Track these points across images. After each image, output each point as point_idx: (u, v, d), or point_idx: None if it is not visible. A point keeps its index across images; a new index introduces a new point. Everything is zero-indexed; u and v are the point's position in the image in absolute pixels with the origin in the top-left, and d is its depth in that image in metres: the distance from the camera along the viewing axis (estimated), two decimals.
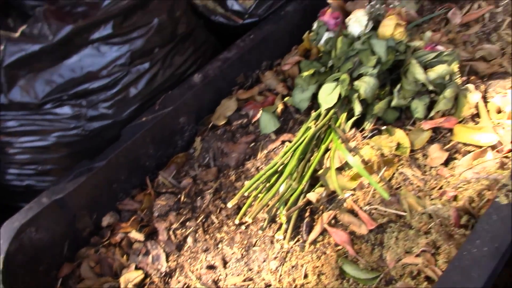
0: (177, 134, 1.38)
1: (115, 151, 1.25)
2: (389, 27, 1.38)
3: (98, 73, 1.27)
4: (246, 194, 1.21)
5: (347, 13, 1.57)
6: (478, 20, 1.62)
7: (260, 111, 1.41)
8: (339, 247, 1.15)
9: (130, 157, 1.28)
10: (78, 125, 1.28)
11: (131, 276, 1.19)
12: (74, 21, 1.23)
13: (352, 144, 1.28)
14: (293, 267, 1.15)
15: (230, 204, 1.21)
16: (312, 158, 1.28)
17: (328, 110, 1.33)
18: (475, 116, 1.32)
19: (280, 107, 1.43)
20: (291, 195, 1.21)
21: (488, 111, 1.31)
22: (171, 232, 1.25)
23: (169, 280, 1.19)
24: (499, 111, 1.30)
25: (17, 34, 1.22)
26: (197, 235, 1.24)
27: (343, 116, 1.33)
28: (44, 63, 1.22)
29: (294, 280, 1.13)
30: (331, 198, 1.23)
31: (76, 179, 1.19)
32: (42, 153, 1.30)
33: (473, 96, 1.33)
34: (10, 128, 1.26)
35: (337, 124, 1.32)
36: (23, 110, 1.24)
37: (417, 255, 1.04)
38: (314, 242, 1.18)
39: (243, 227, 1.25)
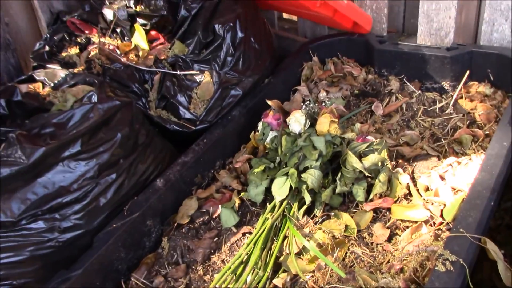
0: (145, 236, 1.49)
1: (90, 258, 1.33)
2: (325, 124, 1.59)
3: (69, 187, 1.38)
4: (217, 286, 1.32)
5: (285, 112, 1.78)
6: (397, 110, 1.88)
7: (220, 208, 1.55)
8: None
9: (104, 262, 1.36)
10: (52, 237, 1.36)
11: None
12: (45, 143, 1.35)
13: (306, 230, 1.44)
14: None
15: None
16: (273, 246, 1.42)
17: (282, 201, 1.49)
18: (408, 195, 1.52)
19: (237, 202, 1.57)
20: (258, 283, 1.33)
21: (417, 190, 1.51)
22: None
23: None
24: (426, 189, 1.51)
25: None
26: None
27: (295, 205, 1.49)
28: (19, 183, 1.32)
29: None
30: (294, 281, 1.36)
31: None
32: (17, 267, 1.35)
33: (403, 178, 1.54)
34: None
35: (291, 213, 1.47)
36: None
37: None
38: None
39: None
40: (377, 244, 1.41)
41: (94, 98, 1.49)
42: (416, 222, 1.42)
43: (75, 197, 1.38)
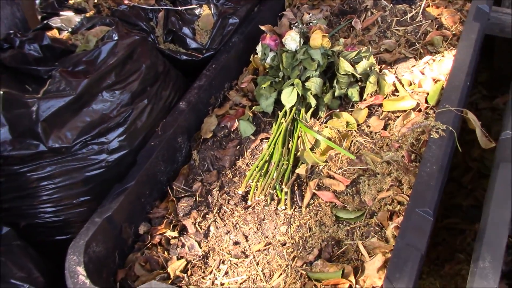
0: (178, 151, 1.71)
1: (139, 172, 1.55)
2: (318, 39, 1.82)
3: (110, 114, 1.57)
4: (250, 181, 1.58)
5: (278, 35, 2.00)
6: (374, 23, 2.13)
7: (237, 121, 1.78)
8: (328, 204, 1.54)
9: (150, 175, 1.59)
10: (102, 158, 1.57)
11: (176, 265, 1.49)
12: (85, 76, 1.53)
13: (315, 129, 1.69)
14: (298, 226, 1.51)
15: (240, 191, 1.57)
16: (289, 145, 1.67)
17: (291, 108, 1.73)
18: (395, 92, 1.79)
19: (250, 115, 1.81)
20: (283, 174, 1.59)
21: (402, 85, 1.78)
22: (197, 225, 1.56)
23: (207, 260, 1.50)
24: (410, 84, 1.78)
25: (40, 95, 1.49)
26: (217, 223, 1.57)
27: (303, 110, 1.74)
28: (68, 113, 1.51)
29: (303, 235, 1.49)
30: (311, 171, 1.62)
31: (116, 198, 1.48)
32: (74, 188, 1.57)
33: (389, 78, 1.80)
34: (48, 172, 1.52)
35: (300, 116, 1.72)
36: (57, 155, 1.51)
37: (388, 190, 1.46)
38: (308, 205, 1.55)
39: (250, 209, 1.59)
40: (375, 133, 1.68)
41: (115, 36, 1.66)
42: (405, 111, 1.69)
43: (116, 122, 1.58)
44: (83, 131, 1.53)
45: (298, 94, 1.73)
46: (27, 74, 1.57)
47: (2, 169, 1.50)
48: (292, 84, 1.75)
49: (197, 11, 1.97)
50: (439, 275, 1.80)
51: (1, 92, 1.45)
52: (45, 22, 1.81)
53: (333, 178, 1.58)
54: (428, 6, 2.09)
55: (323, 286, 1.34)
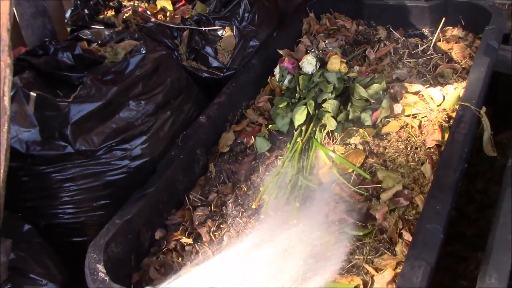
0: (196, 163, 1.78)
1: (159, 179, 1.61)
2: (336, 64, 1.91)
3: (135, 122, 1.65)
4: (263, 196, 1.64)
5: (295, 59, 2.09)
6: (387, 54, 2.22)
7: (253, 137, 1.85)
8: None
9: (169, 182, 1.65)
10: (124, 164, 1.63)
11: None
12: (114, 85, 1.61)
13: (329, 148, 1.77)
14: None
15: (254, 205, 1.63)
16: (304, 162, 1.74)
17: (301, 126, 1.80)
18: None
19: (266, 132, 1.88)
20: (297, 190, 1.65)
21: None
22: (211, 234, 1.61)
23: None
24: None
25: (70, 99, 1.57)
26: (230, 233, 1.62)
27: (317, 130, 1.81)
28: (97, 118, 1.58)
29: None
30: None
31: (137, 203, 1.54)
32: (95, 191, 1.62)
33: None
34: (71, 174, 1.58)
35: (315, 136, 1.80)
36: (82, 157, 1.57)
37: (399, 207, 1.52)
38: None
39: None
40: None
41: (143, 50, 1.75)
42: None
43: (140, 131, 1.66)
44: (109, 136, 1.60)
45: (308, 113, 1.80)
46: (59, 79, 1.65)
47: (28, 169, 1.56)
48: (305, 104, 1.82)
49: (219, 32, 2.07)
50: None
51: (34, 94, 1.53)
52: (75, 33, 1.90)
53: None
54: (439, 41, 2.19)
55: None
